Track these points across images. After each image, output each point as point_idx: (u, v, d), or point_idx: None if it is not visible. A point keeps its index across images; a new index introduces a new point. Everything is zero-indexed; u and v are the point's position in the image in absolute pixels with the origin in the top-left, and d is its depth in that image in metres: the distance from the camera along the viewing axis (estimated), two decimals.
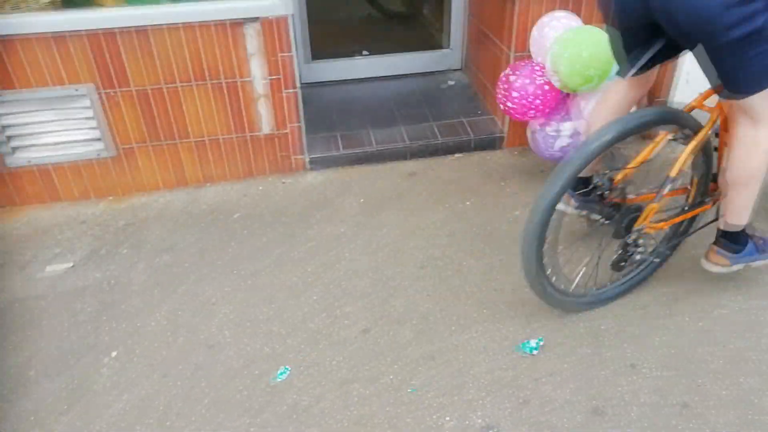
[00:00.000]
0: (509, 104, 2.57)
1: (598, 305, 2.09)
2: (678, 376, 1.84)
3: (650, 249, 2.05)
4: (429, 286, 2.22)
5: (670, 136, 1.87)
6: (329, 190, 2.78)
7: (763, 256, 2.02)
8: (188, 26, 2.45)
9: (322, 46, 3.50)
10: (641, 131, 1.79)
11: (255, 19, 2.50)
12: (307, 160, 2.90)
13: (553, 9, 2.70)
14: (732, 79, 1.66)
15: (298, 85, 2.71)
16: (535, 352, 1.93)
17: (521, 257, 1.84)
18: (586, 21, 2.69)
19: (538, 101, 2.51)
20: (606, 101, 2.05)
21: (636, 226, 1.90)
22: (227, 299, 2.20)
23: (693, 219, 2.16)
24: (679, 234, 2.18)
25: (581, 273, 2.09)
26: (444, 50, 3.63)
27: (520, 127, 2.99)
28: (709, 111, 1.92)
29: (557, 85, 2.47)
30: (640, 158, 1.87)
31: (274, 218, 2.62)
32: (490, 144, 3.03)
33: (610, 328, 2.01)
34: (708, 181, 2.06)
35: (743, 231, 1.95)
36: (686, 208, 2.07)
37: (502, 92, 2.60)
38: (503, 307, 2.11)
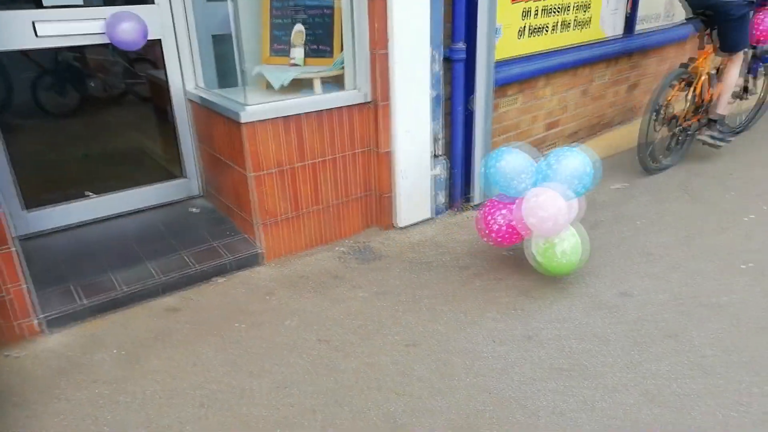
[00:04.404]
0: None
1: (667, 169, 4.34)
2: None
3: (682, 134, 4.29)
4: (214, 424, 2.03)
5: (684, 81, 4.09)
6: (74, 351, 2.40)
7: (728, 137, 4.34)
8: None
9: (39, 193, 3.15)
10: (679, 78, 4.08)
11: None
12: (38, 322, 2.48)
13: (276, 131, 2.93)
14: (728, 44, 4.01)
15: (11, 240, 2.35)
16: None
17: (638, 147, 4.08)
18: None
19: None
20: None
21: (678, 123, 4.17)
22: None
23: (689, 128, 4.31)
24: (692, 130, 4.34)
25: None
26: (180, 180, 3.59)
27: (276, 240, 3.08)
28: (694, 71, 4.12)
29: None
30: (673, 94, 4.03)
31: (2, 401, 2.12)
32: (249, 262, 3.03)
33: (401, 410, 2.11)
34: (696, 104, 4.18)
35: (719, 121, 4.29)
36: (692, 116, 4.24)
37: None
38: (297, 420, 2.05)
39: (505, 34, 3.91)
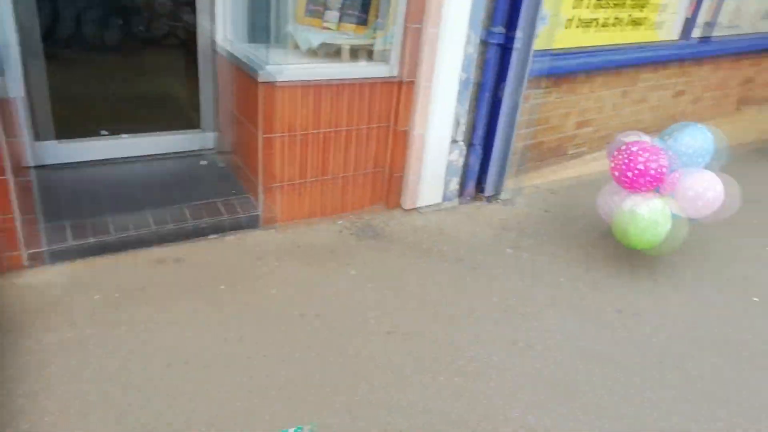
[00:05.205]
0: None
1: None
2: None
3: None
4: (181, 387, 2.02)
5: None
6: (57, 290, 2.40)
7: None
8: None
9: (62, 125, 3.16)
10: None
11: None
12: (27, 255, 2.49)
13: (294, 95, 2.85)
14: None
15: (10, 170, 2.34)
16: None
17: None
18: None
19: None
20: None
21: None
22: None
23: None
24: None
25: None
26: (196, 131, 3.55)
27: (278, 205, 3.03)
28: None
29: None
30: None
31: None
32: (246, 224, 3.00)
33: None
34: None
35: None
36: None
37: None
38: (260, 393, 2.02)
39: (551, 23, 3.71)
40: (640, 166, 2.77)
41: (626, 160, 2.81)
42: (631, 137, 2.98)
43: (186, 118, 3.57)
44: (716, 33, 4.98)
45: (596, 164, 4.28)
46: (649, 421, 2.08)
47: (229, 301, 2.47)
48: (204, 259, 2.72)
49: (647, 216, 2.73)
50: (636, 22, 4.24)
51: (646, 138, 2.96)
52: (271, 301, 2.50)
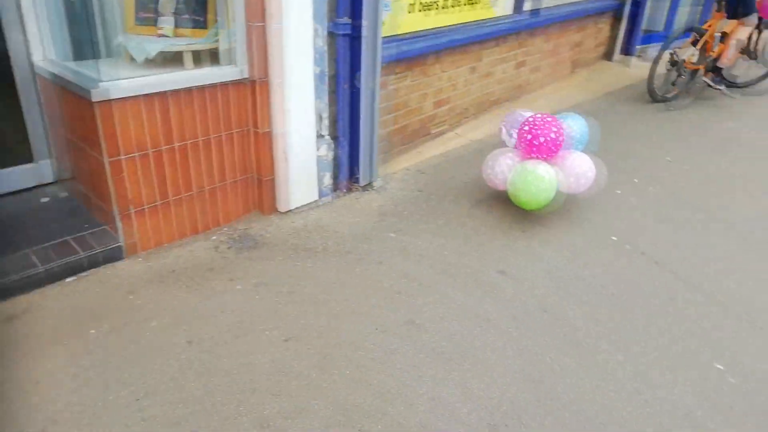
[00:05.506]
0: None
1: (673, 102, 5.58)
2: None
3: (685, 75, 5.43)
4: None
5: (694, 38, 5.33)
6: None
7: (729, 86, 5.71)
8: None
9: None
10: (689, 31, 5.40)
11: None
12: None
13: (137, 110, 2.62)
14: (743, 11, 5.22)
15: None
16: None
17: (648, 81, 5.49)
18: None
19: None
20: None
21: (683, 66, 5.29)
22: None
23: (696, 71, 5.53)
24: (694, 75, 5.57)
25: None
26: (28, 165, 3.14)
27: (141, 231, 2.78)
28: (707, 29, 5.30)
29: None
30: (684, 48, 5.35)
31: None
32: (108, 257, 2.71)
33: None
34: (705, 55, 5.40)
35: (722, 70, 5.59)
36: (698, 63, 5.43)
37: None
38: (170, 430, 1.85)
39: (394, 9, 3.78)
40: (552, 135, 3.07)
41: (540, 128, 3.10)
42: (528, 113, 3.32)
43: (13, 152, 3.14)
44: (544, 5, 5.41)
45: (459, 140, 4.47)
46: (542, 367, 2.21)
47: (103, 344, 2.22)
48: (65, 306, 2.42)
49: (547, 178, 3.02)
50: (472, 2, 4.47)
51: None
52: (152, 334, 2.29)
